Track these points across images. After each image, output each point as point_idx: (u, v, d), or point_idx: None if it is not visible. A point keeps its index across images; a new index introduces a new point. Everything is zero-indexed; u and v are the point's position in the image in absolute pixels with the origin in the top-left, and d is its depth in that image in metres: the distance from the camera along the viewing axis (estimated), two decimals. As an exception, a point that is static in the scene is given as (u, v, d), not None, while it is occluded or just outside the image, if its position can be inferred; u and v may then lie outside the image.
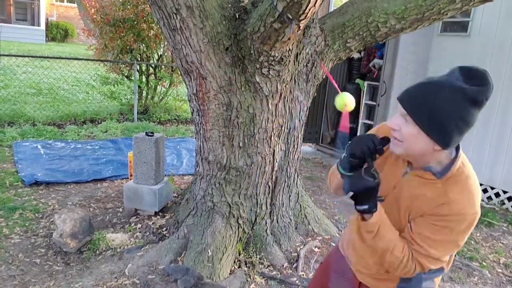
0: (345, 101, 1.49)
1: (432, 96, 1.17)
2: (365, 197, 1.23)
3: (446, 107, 1.15)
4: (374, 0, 2.94)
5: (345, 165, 1.27)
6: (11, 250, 3.05)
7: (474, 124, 1.19)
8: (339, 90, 1.63)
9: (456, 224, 1.21)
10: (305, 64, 3.10)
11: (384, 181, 1.30)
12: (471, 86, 1.14)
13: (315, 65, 3.14)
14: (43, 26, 19.65)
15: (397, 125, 1.23)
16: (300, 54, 3.02)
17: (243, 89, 2.81)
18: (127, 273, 2.80)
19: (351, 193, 1.26)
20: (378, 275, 1.46)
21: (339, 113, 6.78)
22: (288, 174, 3.30)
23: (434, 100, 1.16)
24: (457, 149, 1.28)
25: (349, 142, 1.29)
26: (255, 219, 3.13)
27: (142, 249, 3.08)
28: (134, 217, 3.65)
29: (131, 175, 4.01)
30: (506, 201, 4.77)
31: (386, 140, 1.29)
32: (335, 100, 1.57)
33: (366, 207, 1.24)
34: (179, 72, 4.56)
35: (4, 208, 3.66)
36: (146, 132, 3.66)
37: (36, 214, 3.64)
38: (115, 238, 3.19)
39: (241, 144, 2.94)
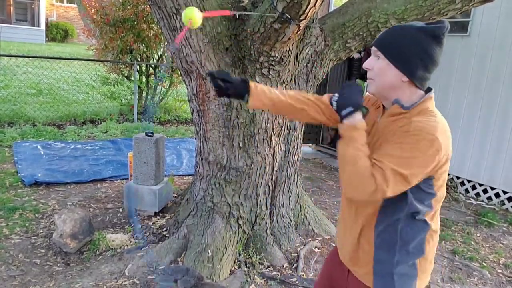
0: (192, 15, 1.42)
1: (397, 33, 1.36)
2: (351, 96, 1.37)
3: (409, 40, 1.33)
4: (374, 0, 2.94)
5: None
6: (11, 250, 3.05)
7: (438, 61, 1.34)
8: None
9: (415, 139, 1.26)
10: (305, 64, 3.10)
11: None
12: (429, 25, 1.34)
13: (315, 65, 3.14)
14: (43, 26, 19.66)
15: (370, 64, 1.39)
16: (300, 54, 3.02)
17: (243, 90, 2.80)
18: (127, 274, 2.80)
19: (337, 96, 1.41)
20: (355, 254, 1.47)
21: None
22: (288, 174, 3.30)
23: (399, 35, 1.35)
24: (429, 90, 1.39)
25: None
26: (255, 219, 3.13)
27: (142, 249, 3.08)
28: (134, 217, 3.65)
29: (131, 176, 4.01)
30: (506, 202, 4.77)
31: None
32: (183, 12, 1.48)
33: (350, 109, 1.34)
34: (179, 72, 4.56)
35: (4, 208, 3.66)
36: (146, 133, 3.66)
37: (36, 215, 3.64)
38: (115, 239, 3.19)
39: (241, 145, 2.94)
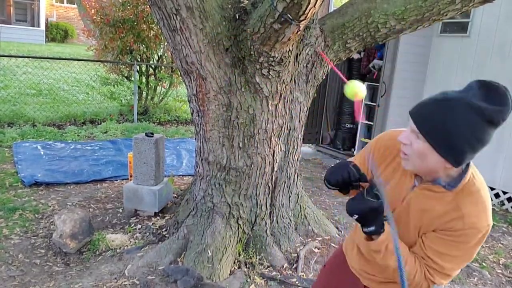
0: (356, 89, 1.44)
1: (446, 116, 1.10)
2: (370, 218, 1.21)
3: (461, 128, 1.09)
4: (374, 1, 2.94)
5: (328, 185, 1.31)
6: (11, 250, 3.05)
7: (489, 141, 1.13)
8: (345, 80, 1.56)
9: (471, 238, 1.18)
10: (305, 65, 3.10)
11: (392, 195, 1.28)
12: (488, 106, 1.07)
13: (315, 65, 3.15)
14: (43, 26, 19.66)
15: (408, 140, 1.19)
16: (300, 54, 3.02)
17: (243, 90, 2.81)
18: (127, 274, 2.80)
19: (355, 216, 1.23)
20: (385, 279, 1.43)
21: (339, 113, 6.79)
22: (288, 174, 3.30)
23: (449, 120, 1.09)
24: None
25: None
26: (255, 219, 3.13)
27: (142, 249, 3.08)
28: (134, 217, 3.65)
29: (131, 176, 4.01)
30: (506, 202, 4.78)
31: (364, 178, 1.27)
32: (344, 89, 1.51)
33: (372, 228, 1.21)
34: (179, 73, 4.57)
35: (4, 208, 3.66)
36: (146, 133, 3.66)
37: (36, 215, 3.64)
38: (115, 239, 3.19)
39: (241, 145, 2.94)
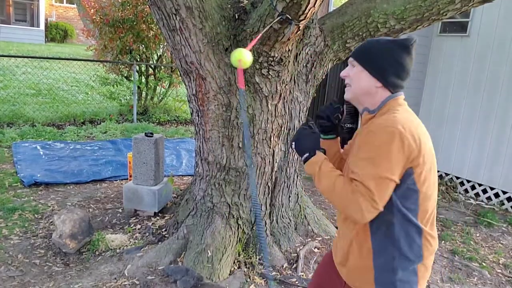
0: (241, 56, 1.49)
1: (371, 44, 1.48)
2: (303, 144, 1.52)
3: (382, 50, 1.43)
4: (374, 0, 2.94)
5: (320, 130, 1.63)
6: (10, 251, 3.04)
7: (408, 69, 1.43)
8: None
9: (376, 136, 1.32)
10: (304, 64, 3.10)
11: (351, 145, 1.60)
12: (400, 38, 1.47)
13: (314, 65, 3.14)
14: (42, 26, 19.65)
15: (346, 72, 1.50)
16: (299, 54, 3.02)
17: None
18: (126, 274, 2.80)
19: (293, 145, 1.56)
20: (356, 262, 1.47)
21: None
22: (288, 174, 3.30)
23: (373, 46, 1.46)
24: (396, 94, 1.45)
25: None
26: (255, 219, 3.13)
27: (142, 250, 3.08)
28: (134, 217, 3.65)
29: (130, 176, 4.01)
30: (505, 202, 4.78)
31: (342, 100, 1.61)
32: (230, 57, 1.62)
33: (307, 154, 1.50)
34: (179, 73, 4.58)
35: (3, 209, 3.66)
36: (145, 133, 3.66)
37: (36, 215, 3.63)
38: (115, 239, 3.19)
39: (240, 145, 2.94)
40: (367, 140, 1.34)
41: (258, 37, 1.76)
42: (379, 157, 1.30)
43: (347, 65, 1.54)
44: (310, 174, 1.49)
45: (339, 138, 1.74)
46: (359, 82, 1.46)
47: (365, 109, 1.48)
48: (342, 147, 1.75)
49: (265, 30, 2.15)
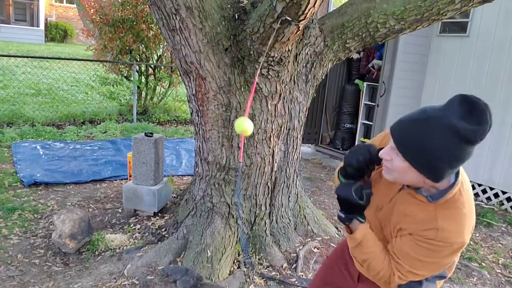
0: (243, 126, 1.53)
1: (424, 137, 1.12)
2: (346, 207, 1.33)
3: (438, 148, 1.11)
4: (373, 1, 2.94)
5: (342, 173, 1.36)
6: (10, 250, 3.04)
7: (469, 158, 1.17)
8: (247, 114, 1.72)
9: (441, 249, 1.22)
10: (304, 64, 3.10)
11: (380, 194, 1.38)
12: (466, 126, 1.08)
13: (314, 65, 3.15)
14: (42, 26, 19.65)
15: (389, 155, 1.22)
16: (299, 54, 3.02)
17: (242, 90, 2.81)
18: (126, 274, 2.80)
19: (336, 196, 1.37)
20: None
21: (338, 113, 6.79)
22: (288, 174, 3.30)
23: (426, 141, 1.12)
24: (457, 174, 1.25)
25: (348, 151, 1.37)
26: (255, 219, 3.13)
27: (141, 249, 3.08)
28: (133, 217, 3.65)
29: (130, 176, 4.01)
30: (505, 202, 4.78)
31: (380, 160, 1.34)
32: (234, 124, 1.63)
33: (342, 215, 1.35)
34: (179, 73, 4.58)
35: (3, 208, 3.65)
36: (145, 133, 3.66)
37: (35, 215, 3.63)
38: (114, 239, 3.19)
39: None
40: (428, 247, 1.23)
41: (250, 100, 1.80)
42: (431, 266, 1.27)
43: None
44: (349, 237, 1.40)
45: None
46: (404, 176, 1.22)
47: (420, 192, 1.28)
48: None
49: (257, 75, 2.17)
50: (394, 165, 1.20)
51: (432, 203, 1.24)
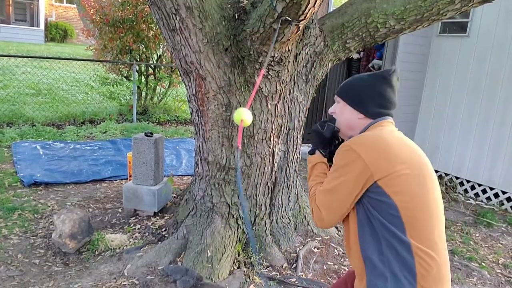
0: (242, 116, 1.60)
1: (353, 80, 1.58)
2: (313, 139, 1.67)
3: (362, 84, 1.53)
4: (374, 1, 2.94)
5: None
6: (10, 250, 3.04)
7: (390, 98, 1.51)
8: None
9: (335, 158, 1.44)
10: (304, 64, 3.10)
11: None
12: (382, 71, 1.55)
13: (314, 65, 3.15)
14: (42, 26, 19.65)
15: (333, 108, 1.62)
16: (299, 54, 3.02)
17: (242, 90, 2.81)
18: (126, 274, 2.80)
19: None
20: (357, 269, 1.47)
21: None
22: (288, 174, 3.30)
23: (354, 81, 1.56)
24: (375, 118, 1.51)
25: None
26: (255, 219, 3.13)
27: (141, 249, 3.08)
28: (133, 217, 3.65)
29: (130, 176, 4.01)
30: (505, 202, 4.78)
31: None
32: (233, 115, 1.72)
33: (309, 149, 1.68)
34: (179, 73, 4.58)
35: (3, 208, 3.65)
36: (145, 133, 3.66)
37: (35, 215, 3.63)
38: (114, 239, 3.19)
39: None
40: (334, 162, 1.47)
41: (253, 94, 1.85)
42: (330, 177, 1.44)
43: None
44: (308, 163, 1.66)
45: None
46: (343, 116, 1.56)
47: (349, 138, 1.52)
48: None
49: (261, 76, 2.23)
50: (336, 111, 1.59)
51: None
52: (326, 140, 1.65)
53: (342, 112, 1.56)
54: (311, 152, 1.68)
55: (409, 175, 1.32)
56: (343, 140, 1.63)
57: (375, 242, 1.34)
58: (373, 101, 1.49)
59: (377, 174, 1.31)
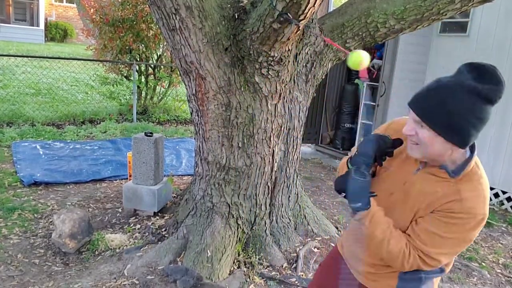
0: (360, 57, 1.43)
1: (445, 101, 1.15)
2: (356, 195, 1.28)
3: (461, 110, 1.14)
4: (373, 0, 2.94)
5: (354, 163, 1.30)
6: (10, 250, 3.04)
7: (489, 119, 1.18)
8: (347, 52, 1.56)
9: (464, 222, 1.21)
10: (304, 64, 3.10)
11: (393, 177, 1.36)
12: (484, 85, 1.13)
13: (314, 65, 3.14)
14: (42, 26, 19.63)
15: (413, 130, 1.22)
16: (299, 54, 3.02)
17: (242, 90, 2.81)
18: (126, 274, 2.80)
19: (343, 194, 1.32)
20: (376, 271, 1.45)
21: (338, 113, 6.79)
22: (288, 174, 3.30)
23: (448, 104, 1.15)
24: (472, 148, 1.26)
25: (361, 140, 1.36)
26: (255, 219, 3.13)
27: (141, 249, 3.08)
28: (133, 217, 3.64)
29: (130, 176, 4.01)
30: (505, 202, 4.78)
31: (398, 142, 1.33)
32: (348, 59, 1.50)
33: (359, 205, 1.28)
34: (179, 72, 4.58)
35: (3, 208, 3.65)
36: (145, 133, 3.66)
37: (35, 215, 3.63)
38: (114, 239, 3.19)
39: (240, 145, 2.94)
40: (450, 221, 1.21)
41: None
42: (452, 242, 1.24)
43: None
44: (360, 222, 1.33)
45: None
46: (431, 148, 1.21)
47: (444, 167, 1.26)
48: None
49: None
50: (420, 138, 1.21)
51: (453, 178, 1.24)
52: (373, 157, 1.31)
53: (431, 142, 1.19)
54: (361, 208, 1.28)
55: None
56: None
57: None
58: (475, 130, 1.16)
59: None
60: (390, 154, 1.34)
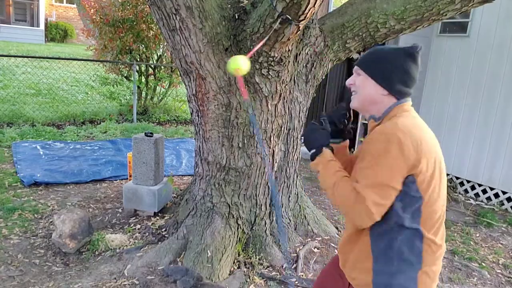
0: (238, 64, 1.49)
1: (376, 52, 1.48)
2: (311, 139, 1.53)
3: (387, 57, 1.44)
4: (374, 1, 2.95)
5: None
6: (10, 250, 3.04)
7: (414, 76, 1.43)
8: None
9: (374, 145, 1.33)
10: (304, 64, 3.10)
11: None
12: (408, 47, 1.45)
13: (314, 65, 3.15)
14: (42, 26, 19.63)
15: (352, 80, 1.51)
16: (299, 54, 3.02)
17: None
18: (126, 274, 2.80)
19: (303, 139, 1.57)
20: (356, 263, 1.48)
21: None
22: (288, 174, 3.30)
23: (378, 54, 1.47)
24: (400, 99, 1.44)
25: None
26: (255, 219, 3.13)
27: (142, 249, 3.08)
28: (134, 217, 3.65)
29: (130, 176, 4.01)
30: (505, 202, 4.78)
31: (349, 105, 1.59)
32: (227, 64, 1.57)
33: (313, 151, 1.52)
34: (179, 73, 4.59)
35: (3, 208, 3.65)
36: (145, 133, 3.66)
37: (35, 215, 3.63)
38: (114, 239, 3.19)
39: (240, 145, 2.94)
40: (367, 149, 1.35)
41: (257, 47, 1.74)
42: (377, 168, 1.31)
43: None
44: (315, 171, 1.50)
45: (347, 141, 1.70)
46: (364, 90, 1.46)
47: (371, 116, 1.47)
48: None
49: (262, 42, 2.15)
50: (357, 83, 1.48)
51: (379, 122, 1.44)
52: (334, 131, 1.58)
53: (364, 86, 1.46)
54: (316, 154, 1.51)
55: (440, 170, 1.36)
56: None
57: (387, 231, 1.37)
58: (399, 78, 1.42)
59: (415, 168, 1.30)
60: (346, 115, 1.61)
